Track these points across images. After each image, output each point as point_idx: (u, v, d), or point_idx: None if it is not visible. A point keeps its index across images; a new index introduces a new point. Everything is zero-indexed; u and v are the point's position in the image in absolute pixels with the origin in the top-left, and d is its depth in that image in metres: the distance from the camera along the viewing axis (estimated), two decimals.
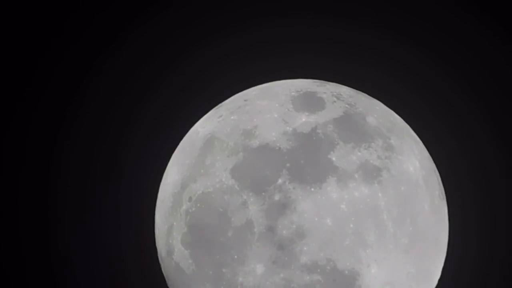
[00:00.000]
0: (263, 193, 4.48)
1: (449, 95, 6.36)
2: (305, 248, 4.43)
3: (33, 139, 6.37)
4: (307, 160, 4.52)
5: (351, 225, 4.46)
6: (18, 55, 6.38)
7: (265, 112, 4.78)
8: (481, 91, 6.35)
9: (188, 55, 6.40)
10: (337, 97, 4.91)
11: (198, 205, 4.67)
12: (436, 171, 5.14)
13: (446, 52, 6.39)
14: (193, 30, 6.39)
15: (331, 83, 5.18)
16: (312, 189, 4.46)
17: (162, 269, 5.18)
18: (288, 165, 4.51)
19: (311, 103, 4.82)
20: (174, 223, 4.83)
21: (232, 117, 4.87)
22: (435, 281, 5.08)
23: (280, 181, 4.48)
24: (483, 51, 6.37)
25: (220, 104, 5.19)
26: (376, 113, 4.95)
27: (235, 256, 4.53)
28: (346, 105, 4.86)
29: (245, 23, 6.41)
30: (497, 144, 6.30)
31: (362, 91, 5.24)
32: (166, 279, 5.18)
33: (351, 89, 5.18)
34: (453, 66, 6.39)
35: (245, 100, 4.99)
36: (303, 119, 4.69)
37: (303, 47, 6.39)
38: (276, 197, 4.46)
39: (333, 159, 4.54)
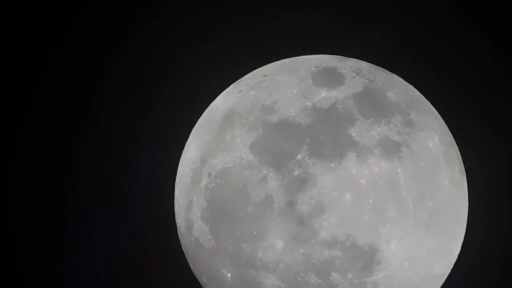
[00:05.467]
0: (283, 169, 4.48)
1: (470, 70, 6.32)
2: (324, 224, 4.43)
3: (59, 116, 6.44)
4: (326, 135, 4.51)
5: (371, 201, 4.45)
6: (21, 56, 6.45)
7: (285, 88, 4.76)
8: (502, 66, 6.30)
9: (208, 32, 6.40)
10: (357, 73, 4.88)
11: (218, 180, 4.68)
12: (456, 146, 5.12)
13: (467, 27, 6.34)
14: (214, 9, 6.39)
15: (350, 59, 5.15)
16: (332, 165, 4.45)
17: (182, 245, 5.20)
18: (307, 140, 4.50)
19: (330, 78, 4.79)
20: (194, 199, 4.84)
21: (252, 93, 4.86)
22: (455, 257, 5.07)
23: (299, 156, 4.48)
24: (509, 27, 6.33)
25: (239, 80, 5.18)
26: (396, 88, 4.92)
27: (255, 232, 4.53)
28: (366, 81, 4.83)
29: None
30: None
31: (382, 67, 5.21)
32: (186, 255, 5.20)
33: (371, 64, 5.15)
34: (472, 41, 6.34)
35: (264, 76, 4.97)
36: (323, 94, 4.67)
37: (322, 23, 6.37)
38: (296, 173, 4.46)
39: (353, 134, 4.53)
